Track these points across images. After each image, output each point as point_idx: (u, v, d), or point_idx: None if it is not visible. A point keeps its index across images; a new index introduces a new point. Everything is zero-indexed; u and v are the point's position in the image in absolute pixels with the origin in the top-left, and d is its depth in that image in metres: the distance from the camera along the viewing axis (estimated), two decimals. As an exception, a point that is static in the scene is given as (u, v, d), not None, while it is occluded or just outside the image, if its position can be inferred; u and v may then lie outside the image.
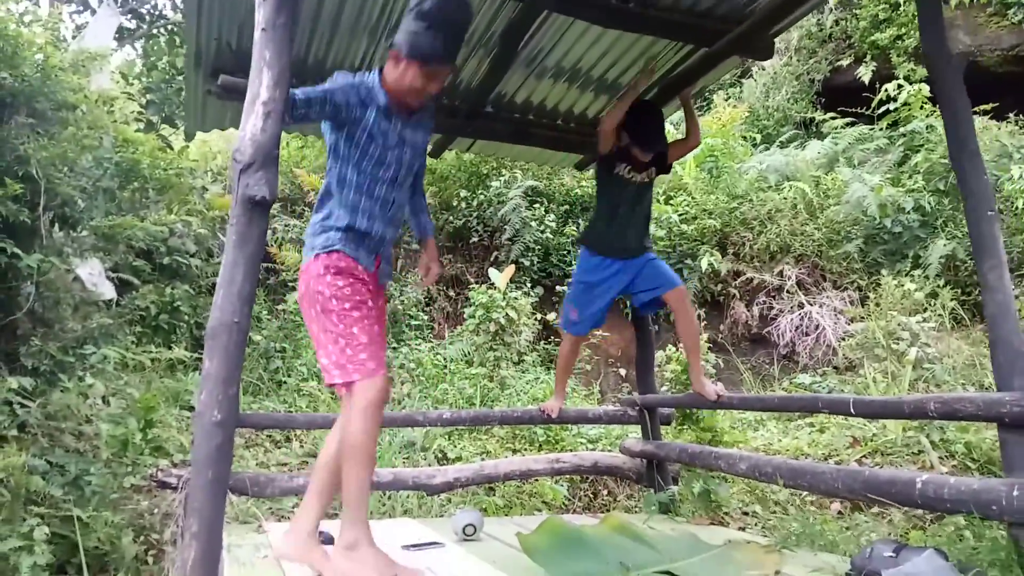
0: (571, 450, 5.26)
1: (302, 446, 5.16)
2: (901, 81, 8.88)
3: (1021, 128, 8.34)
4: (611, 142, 3.77)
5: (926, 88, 8.59)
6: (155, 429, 4.08)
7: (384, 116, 2.43)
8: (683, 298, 3.82)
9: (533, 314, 7.27)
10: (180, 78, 5.99)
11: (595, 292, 3.91)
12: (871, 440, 5.16)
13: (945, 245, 7.33)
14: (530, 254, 8.04)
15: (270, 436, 5.22)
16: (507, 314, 6.80)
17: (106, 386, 4.16)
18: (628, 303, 7.77)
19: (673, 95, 4.11)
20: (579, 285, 3.96)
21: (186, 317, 5.70)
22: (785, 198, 8.58)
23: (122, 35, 7.30)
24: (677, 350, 5.88)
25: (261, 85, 2.05)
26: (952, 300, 6.89)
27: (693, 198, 8.82)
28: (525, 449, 5.45)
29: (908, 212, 7.71)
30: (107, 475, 3.57)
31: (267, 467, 4.74)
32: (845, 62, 10.95)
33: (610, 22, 3.51)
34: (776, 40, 3.96)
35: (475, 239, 8.34)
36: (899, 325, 6.22)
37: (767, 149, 10.05)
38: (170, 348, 4.99)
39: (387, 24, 3.52)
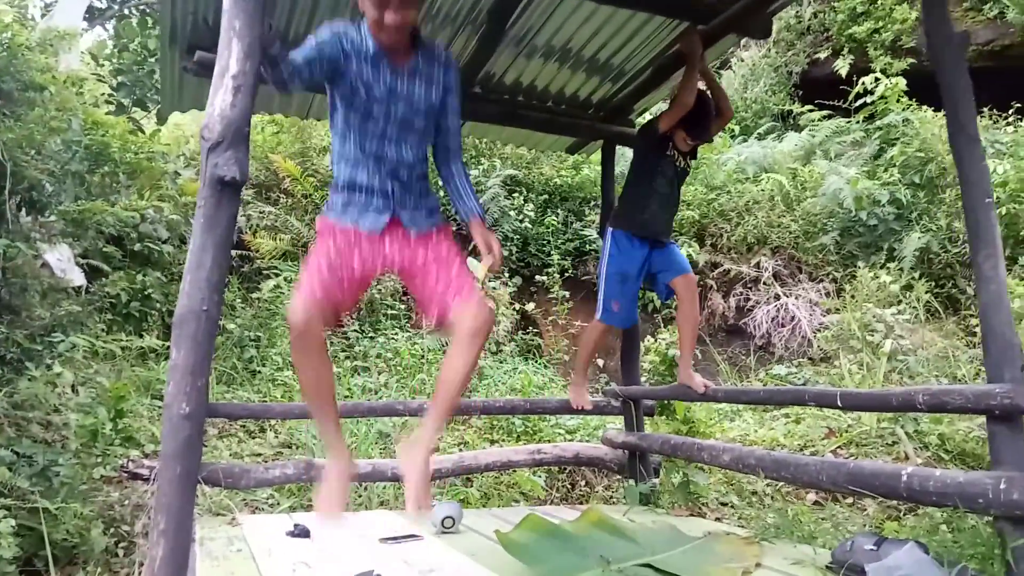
0: (549, 441, 5.24)
1: (277, 436, 5.09)
2: (878, 74, 8.94)
3: (996, 123, 8.43)
4: (676, 119, 3.62)
5: (903, 82, 8.66)
6: (126, 419, 4.00)
7: (371, 64, 2.34)
8: (692, 286, 3.77)
9: (511, 304, 7.24)
10: (153, 60, 5.84)
11: (630, 279, 3.79)
12: (846, 431, 5.20)
13: (920, 238, 7.40)
14: (509, 244, 7.99)
15: (244, 426, 5.14)
16: (485, 304, 6.74)
17: (75, 375, 4.06)
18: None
19: (667, 76, 4.05)
20: (615, 276, 3.80)
21: (157, 305, 5.59)
22: (763, 190, 8.61)
23: (92, 15, 7.10)
24: (656, 341, 5.88)
25: (230, 57, 1.97)
26: (926, 293, 6.96)
27: (672, 189, 8.82)
28: (503, 440, 5.43)
29: (883, 205, 7.77)
30: (76, 466, 3.49)
31: (241, 457, 4.66)
32: (823, 55, 10.99)
33: (602, -4, 3.40)
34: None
35: (453, 228, 8.26)
36: (874, 317, 6.27)
37: (745, 141, 10.08)
38: (141, 336, 4.90)
39: (369, 0, 3.43)
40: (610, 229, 3.84)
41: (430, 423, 2.43)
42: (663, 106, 4.07)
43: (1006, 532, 2.08)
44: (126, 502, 3.58)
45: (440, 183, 2.76)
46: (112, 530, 3.45)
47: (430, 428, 2.42)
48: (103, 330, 4.98)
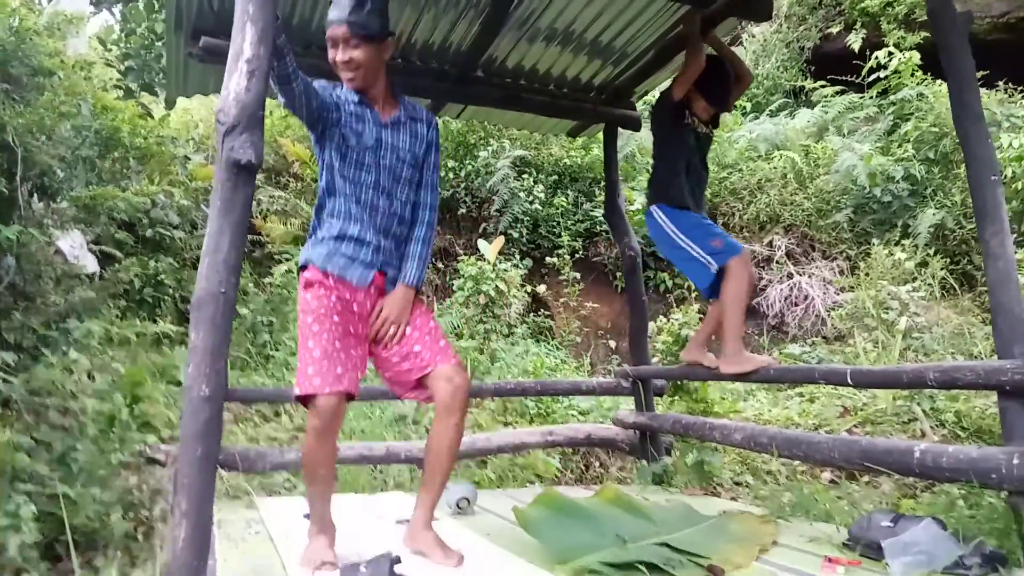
0: (562, 422, 5.25)
1: (292, 420, 5.11)
2: (891, 49, 8.81)
3: (1011, 96, 8.31)
4: (687, 85, 3.48)
5: (916, 56, 8.53)
6: (142, 405, 4.01)
7: (358, 114, 2.38)
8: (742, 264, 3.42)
9: (523, 286, 7.22)
10: (160, 44, 5.81)
11: (705, 222, 3.54)
12: (861, 409, 5.18)
13: (934, 214, 7.32)
14: (519, 225, 7.97)
15: (259, 411, 5.16)
16: (496, 286, 6.74)
17: (91, 361, 4.08)
18: (619, 274, 7.78)
19: (669, 58, 4.04)
20: (694, 225, 3.47)
21: (170, 290, 5.61)
22: (775, 167, 8.53)
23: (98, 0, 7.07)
24: (668, 321, 5.86)
25: (244, 41, 1.96)
26: (941, 269, 6.89)
27: (683, 167, 8.75)
28: (516, 422, 5.44)
29: (897, 181, 7.69)
30: (94, 452, 3.51)
31: (257, 442, 4.68)
32: (835, 29, 10.83)
33: (604, -22, 3.38)
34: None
35: (463, 210, 8.25)
36: (889, 295, 6.22)
37: (757, 118, 9.98)
38: (155, 322, 4.91)
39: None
40: (652, 208, 3.62)
41: (427, 499, 2.38)
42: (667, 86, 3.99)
43: (1020, 507, 2.08)
44: (144, 487, 3.60)
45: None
46: (131, 514, 3.48)
47: (428, 506, 2.38)
48: (117, 316, 5.00)
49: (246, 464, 3.37)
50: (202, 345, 1.87)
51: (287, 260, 6.63)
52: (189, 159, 6.79)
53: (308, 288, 2.32)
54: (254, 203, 7.12)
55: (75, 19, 4.91)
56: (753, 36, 11.66)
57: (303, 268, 2.36)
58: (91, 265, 5.17)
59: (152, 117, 6.39)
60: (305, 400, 2.19)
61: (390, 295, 2.42)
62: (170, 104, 4.80)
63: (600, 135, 4.80)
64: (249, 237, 6.80)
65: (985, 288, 6.97)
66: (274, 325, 6.17)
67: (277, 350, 5.96)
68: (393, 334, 2.38)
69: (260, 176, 7.42)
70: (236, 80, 1.95)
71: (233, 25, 2.00)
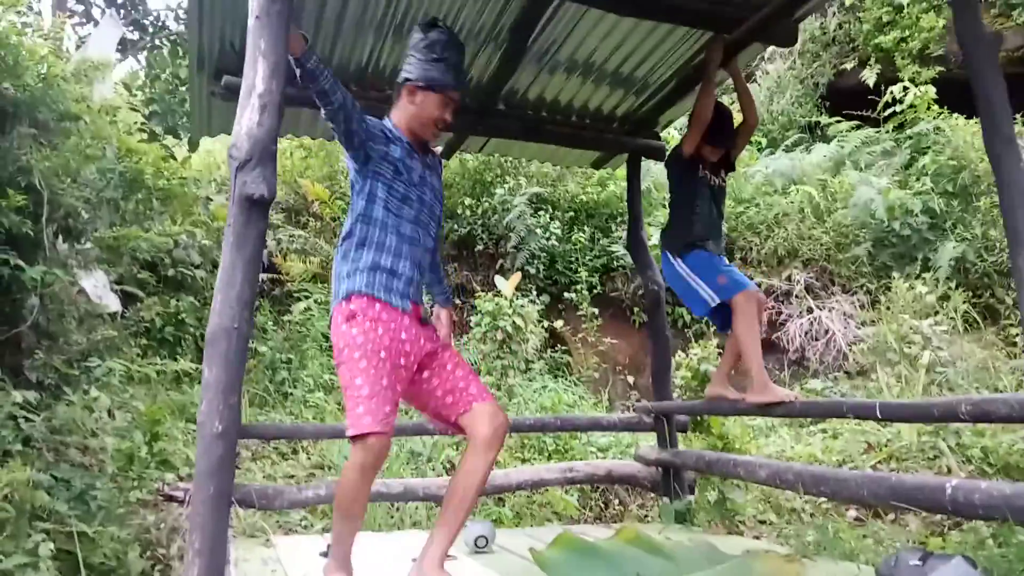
0: (581, 459, 5.19)
1: (309, 458, 5.10)
2: (906, 83, 8.83)
3: (1028, 129, 8.26)
4: (697, 139, 3.56)
5: (932, 90, 8.54)
6: (161, 442, 4.03)
7: (407, 153, 2.45)
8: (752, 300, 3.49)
9: (540, 322, 7.20)
10: (183, 89, 5.96)
11: (715, 259, 3.59)
12: (885, 446, 5.08)
13: (955, 247, 7.26)
14: (536, 261, 7.99)
15: (276, 448, 5.16)
16: (514, 322, 6.74)
17: (111, 399, 4.10)
18: (637, 310, 7.76)
19: (691, 87, 4.02)
20: (701, 262, 3.54)
21: (191, 329, 5.66)
22: (792, 202, 8.52)
23: (125, 47, 7.29)
24: (687, 356, 5.81)
25: (256, 76, 2.00)
26: (964, 303, 6.80)
27: (699, 203, 8.77)
28: (534, 458, 5.38)
29: (916, 215, 7.64)
30: (113, 490, 3.51)
31: (274, 479, 4.67)
32: (849, 65, 10.88)
33: (623, 9, 3.42)
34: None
35: (480, 247, 8.28)
36: (911, 329, 6.14)
37: (772, 153, 10.00)
38: (175, 360, 4.94)
39: (392, 21, 3.48)
40: (666, 252, 3.70)
41: (444, 536, 2.33)
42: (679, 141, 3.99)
43: (1058, 545, 2.00)
44: (162, 525, 3.60)
45: None
46: (148, 553, 3.47)
47: (444, 544, 2.32)
48: (138, 354, 5.04)
49: (263, 502, 3.35)
50: (215, 381, 1.87)
51: (306, 298, 6.68)
52: (211, 199, 6.89)
53: (351, 321, 2.27)
54: (274, 242, 7.24)
55: (102, 66, 5.04)
56: (767, 73, 11.75)
57: (346, 300, 2.32)
58: (114, 304, 5.23)
59: (175, 159, 6.53)
60: (355, 438, 2.19)
61: (441, 319, 2.67)
62: (194, 145, 4.90)
63: (622, 169, 4.79)
64: (268, 275, 6.91)
65: (1009, 322, 6.89)
66: (292, 362, 6.19)
67: (295, 387, 5.97)
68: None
69: (280, 216, 7.52)
70: (248, 115, 1.98)
71: (246, 60, 2.04)
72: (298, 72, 2.19)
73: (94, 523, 3.19)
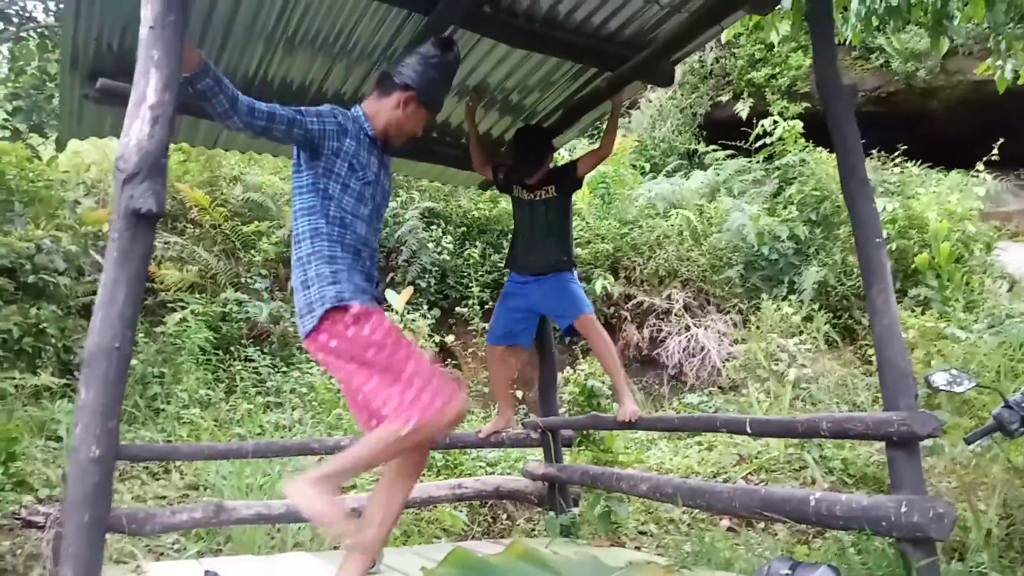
0: (470, 474, 5.20)
1: (182, 477, 4.85)
2: (776, 117, 9.46)
3: (883, 164, 9.05)
4: (485, 169, 4.13)
5: (799, 124, 9.19)
6: (18, 462, 3.73)
7: (367, 149, 2.39)
8: (588, 324, 3.88)
9: (431, 336, 7.18)
10: (52, 85, 5.56)
11: (508, 304, 4.04)
12: (756, 457, 5.39)
13: (817, 271, 7.82)
14: (427, 276, 7.96)
15: (147, 467, 4.87)
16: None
17: (-40, 417, 3.77)
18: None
19: (577, 118, 4.17)
20: (501, 297, 4.13)
21: (53, 340, 5.27)
22: (672, 225, 8.92)
23: (-16, 35, 6.70)
24: (575, 372, 5.95)
25: (148, 87, 1.91)
26: (825, 323, 7.34)
27: (587, 222, 9.02)
28: (423, 475, 5.34)
29: (783, 240, 8.19)
30: (-40, 516, 3.22)
31: (144, 501, 4.41)
32: (724, 97, 11.56)
33: (516, 42, 3.52)
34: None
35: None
36: (778, 347, 6.56)
37: (655, 178, 10.43)
38: (35, 374, 4.60)
39: (284, 33, 3.39)
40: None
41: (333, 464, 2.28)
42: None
43: (908, 553, 2.19)
44: (19, 551, 3.33)
45: None
46: (0, 584, 3.20)
47: (327, 467, 2.25)
48: (-8, 368, 4.65)
49: (134, 526, 3.14)
50: (92, 403, 1.76)
51: (182, 308, 6.35)
52: (79, 203, 6.46)
53: (361, 322, 2.23)
54: (149, 249, 6.86)
55: (-42, 54, 4.64)
56: (650, 101, 12.28)
57: (339, 307, 2.23)
58: (-36, 313, 4.81)
59: (40, 159, 6.07)
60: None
61: None
62: (61, 147, 4.59)
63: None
64: (142, 285, 6.53)
65: (865, 341, 7.47)
66: (165, 377, 5.87)
67: (168, 403, 5.66)
68: None
69: (156, 221, 7.14)
70: (138, 126, 1.89)
71: (136, 69, 1.95)
72: (190, 90, 2.06)
73: (-62, 554, 2.92)
